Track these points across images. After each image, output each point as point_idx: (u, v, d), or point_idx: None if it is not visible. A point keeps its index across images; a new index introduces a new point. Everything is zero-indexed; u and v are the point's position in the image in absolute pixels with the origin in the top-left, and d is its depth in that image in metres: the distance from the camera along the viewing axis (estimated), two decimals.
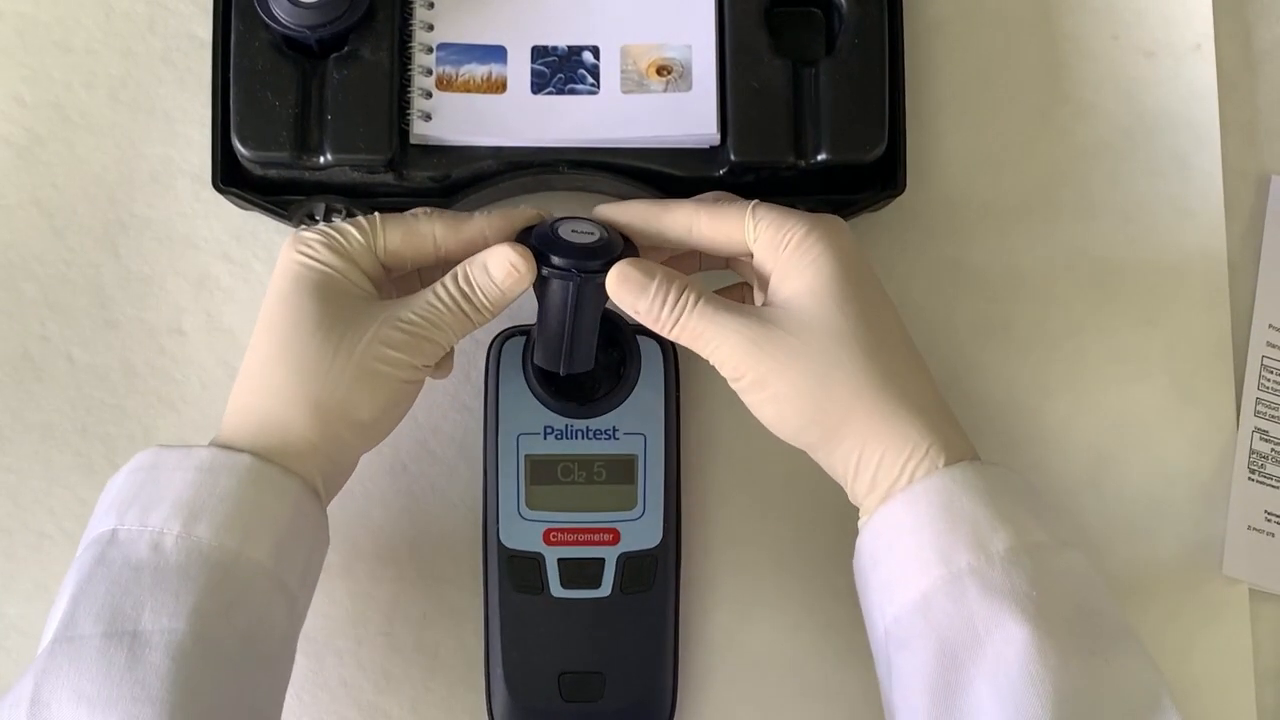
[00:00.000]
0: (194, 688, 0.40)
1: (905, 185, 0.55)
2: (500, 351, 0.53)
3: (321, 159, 0.52)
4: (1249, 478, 0.57)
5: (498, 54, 0.54)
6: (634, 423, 0.52)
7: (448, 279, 0.47)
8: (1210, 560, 0.56)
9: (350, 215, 0.51)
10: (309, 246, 0.47)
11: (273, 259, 0.50)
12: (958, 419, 0.47)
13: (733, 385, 0.47)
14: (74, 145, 0.57)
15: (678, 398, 0.53)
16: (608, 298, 0.47)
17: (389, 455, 0.55)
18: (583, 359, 0.49)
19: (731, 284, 0.53)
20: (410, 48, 0.54)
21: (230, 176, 0.54)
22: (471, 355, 0.55)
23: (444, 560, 0.55)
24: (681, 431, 0.53)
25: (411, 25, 0.54)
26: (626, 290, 0.46)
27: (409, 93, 0.53)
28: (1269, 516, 0.57)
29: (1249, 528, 0.56)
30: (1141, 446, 0.57)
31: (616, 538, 0.52)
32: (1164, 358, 0.58)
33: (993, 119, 0.59)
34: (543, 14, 0.55)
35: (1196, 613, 0.56)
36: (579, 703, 0.51)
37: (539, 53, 0.54)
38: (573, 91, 0.54)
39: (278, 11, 0.51)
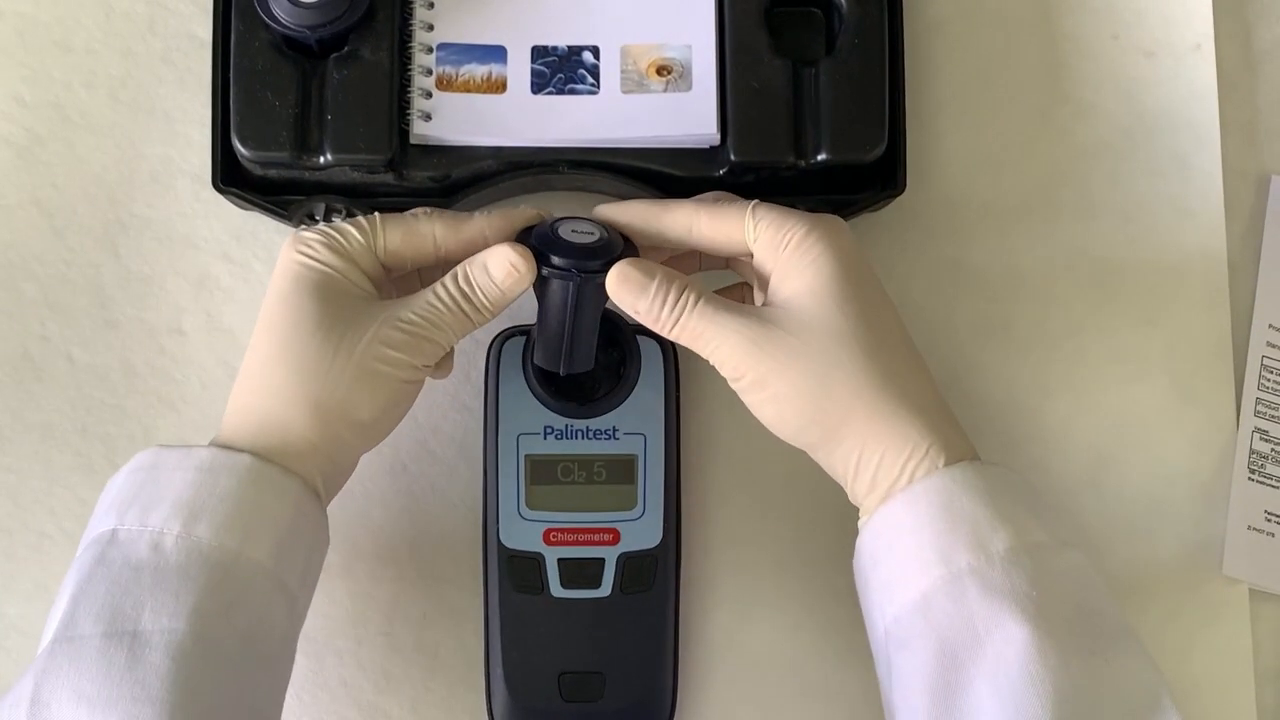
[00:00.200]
0: (194, 688, 0.40)
1: (905, 185, 0.55)
2: (500, 351, 0.53)
3: (321, 159, 0.52)
4: (1249, 478, 0.57)
5: (498, 54, 0.54)
6: (634, 423, 0.52)
7: (448, 279, 0.47)
8: (1210, 560, 0.56)
9: (350, 215, 0.51)
10: (309, 246, 0.47)
11: (273, 259, 0.51)
12: (958, 419, 0.47)
13: (733, 385, 0.47)
14: (74, 145, 0.57)
15: (678, 398, 0.53)
16: (608, 298, 0.47)
17: (389, 455, 0.55)
18: (583, 359, 0.49)
19: (731, 284, 0.53)
20: (410, 48, 0.54)
21: (230, 176, 0.54)
22: (471, 355, 0.55)
23: (444, 560, 0.55)
24: (681, 431, 0.53)
25: (411, 25, 0.54)
26: (626, 290, 0.46)
27: (409, 93, 0.53)
28: (1269, 516, 0.57)
29: (1249, 528, 0.56)
30: (1141, 446, 0.57)
31: (616, 538, 0.52)
32: (1164, 358, 0.58)
33: (993, 119, 0.59)
34: (543, 14, 0.55)
35: (1196, 613, 0.56)
36: (579, 703, 0.51)
37: (539, 53, 0.54)
38: (573, 91, 0.54)
39: (278, 11, 0.51)
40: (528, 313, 0.50)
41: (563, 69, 0.54)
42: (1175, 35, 0.60)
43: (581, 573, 0.51)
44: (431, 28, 0.54)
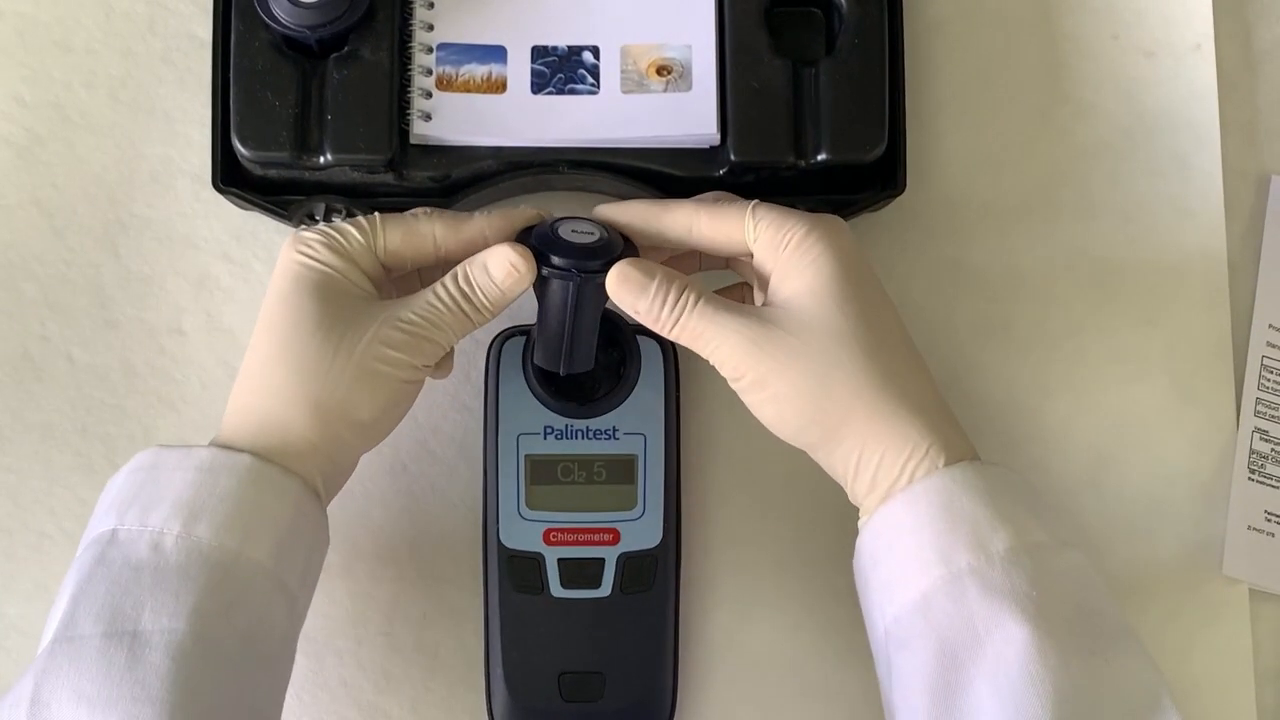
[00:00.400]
0: (194, 688, 0.40)
1: (905, 185, 0.55)
2: (500, 351, 0.53)
3: (321, 159, 0.52)
4: (1249, 478, 0.57)
5: (498, 54, 0.54)
6: (634, 423, 0.52)
7: (448, 279, 0.47)
8: (1210, 560, 0.56)
9: (350, 215, 0.51)
10: (309, 246, 0.47)
11: (273, 259, 0.51)
12: (958, 419, 0.47)
13: (733, 385, 0.47)
14: (74, 145, 0.57)
15: (678, 398, 0.53)
16: (608, 298, 0.47)
17: (389, 455, 0.55)
18: (583, 359, 0.49)
19: (731, 284, 0.53)
20: (410, 48, 0.54)
21: (230, 176, 0.54)
22: (471, 355, 0.55)
23: (444, 560, 0.55)
24: (681, 431, 0.53)
25: (411, 25, 0.54)
26: (626, 290, 0.46)
27: (409, 93, 0.53)
28: (1269, 516, 0.57)
29: (1249, 528, 0.56)
30: (1141, 446, 0.57)
31: (616, 538, 0.52)
32: (1164, 358, 0.58)
33: (993, 119, 0.59)
34: (543, 14, 0.55)
35: (1196, 613, 0.56)
36: (579, 703, 0.51)
37: (539, 53, 0.54)
38: (573, 91, 0.54)
39: (278, 11, 0.51)
40: (528, 313, 0.50)
41: (563, 69, 0.54)
42: (1175, 35, 0.60)
43: (581, 573, 0.51)
44: (431, 28, 0.54)
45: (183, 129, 0.57)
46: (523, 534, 0.52)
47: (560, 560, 0.51)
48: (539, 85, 0.54)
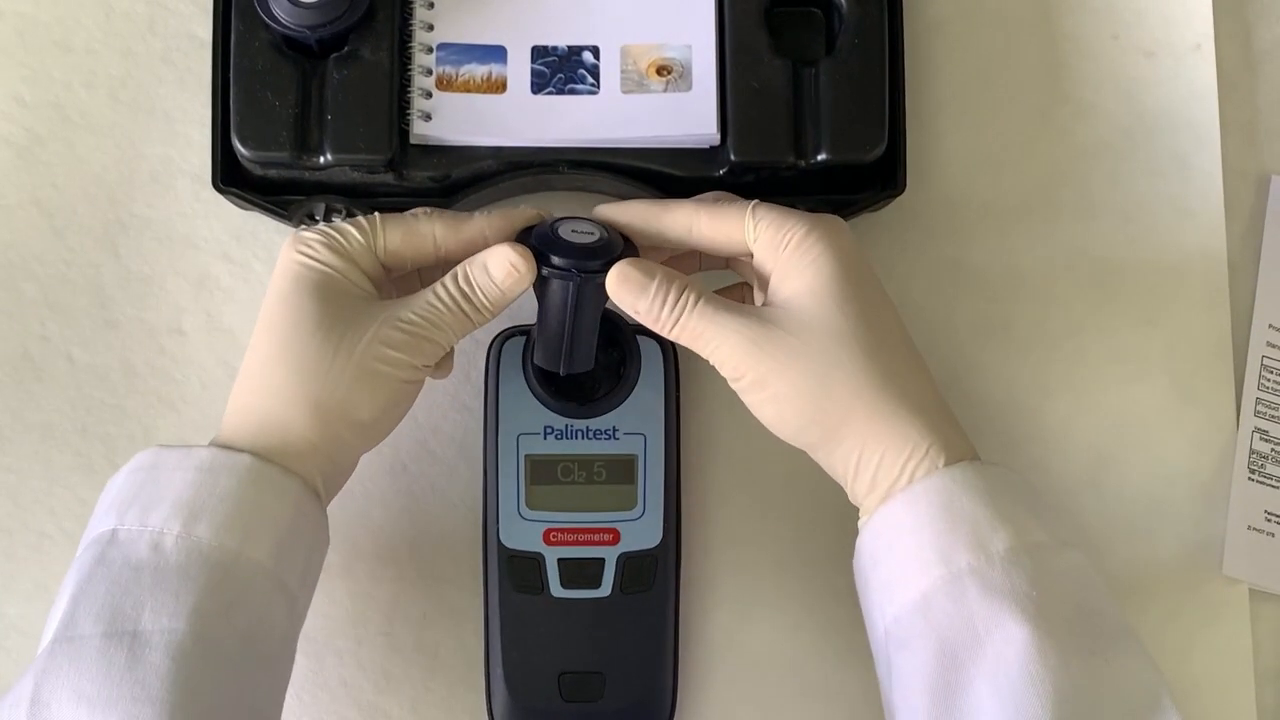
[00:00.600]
0: (194, 688, 0.40)
1: (905, 185, 0.55)
2: (500, 351, 0.53)
3: (321, 159, 0.52)
4: (1249, 478, 0.57)
5: (498, 54, 0.54)
6: (634, 423, 0.52)
7: (448, 279, 0.47)
8: (1210, 560, 0.56)
9: (350, 215, 0.51)
10: (309, 246, 0.47)
11: (273, 259, 0.51)
12: (958, 419, 0.47)
13: (733, 385, 0.47)
14: (74, 145, 0.57)
15: (678, 398, 0.53)
16: (608, 298, 0.47)
17: (389, 455, 0.55)
18: (583, 359, 0.49)
19: (731, 284, 0.53)
20: (410, 48, 0.54)
21: (230, 176, 0.54)
22: (471, 355, 0.55)
23: (444, 560, 0.55)
24: (681, 431, 0.53)
25: (411, 25, 0.54)
26: (626, 290, 0.46)
27: (409, 93, 0.53)
28: (1269, 516, 0.57)
29: (1249, 528, 0.56)
30: (1141, 446, 0.57)
31: (616, 538, 0.52)
32: (1164, 358, 0.58)
33: (993, 119, 0.59)
34: (543, 14, 0.55)
35: (1196, 613, 0.56)
36: (579, 703, 0.51)
37: (539, 53, 0.54)
38: (573, 91, 0.54)
39: (278, 11, 0.51)
40: (528, 313, 0.50)
41: (563, 69, 0.54)
42: (1175, 35, 0.60)
43: (581, 573, 0.51)
44: (431, 28, 0.54)
45: (183, 129, 0.57)
46: (523, 534, 0.52)
47: (560, 560, 0.51)
48: (539, 85, 0.54)
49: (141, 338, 0.56)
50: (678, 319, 0.46)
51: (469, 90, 0.54)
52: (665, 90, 0.54)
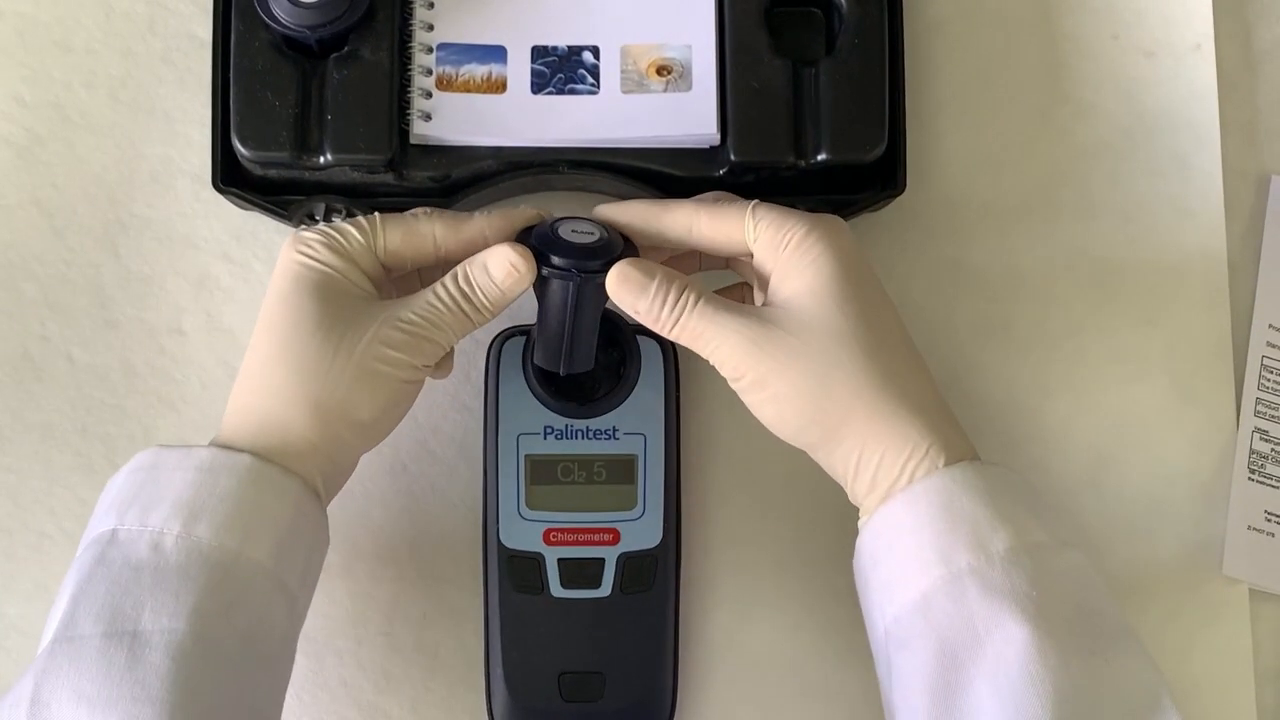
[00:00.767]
0: (194, 688, 0.40)
1: (905, 185, 0.55)
2: (500, 351, 0.53)
3: (321, 159, 0.52)
4: (1249, 478, 0.57)
5: (498, 54, 0.54)
6: (634, 423, 0.52)
7: (448, 279, 0.47)
8: (1210, 560, 0.56)
9: (350, 215, 0.51)
10: (309, 246, 0.47)
11: (273, 259, 0.51)
12: (958, 419, 0.47)
13: (733, 385, 0.47)
14: (74, 145, 0.57)
15: (678, 398, 0.53)
16: (608, 298, 0.47)
17: (389, 455, 0.55)
18: (583, 359, 0.49)
19: (731, 284, 0.53)
20: (410, 48, 0.54)
21: (230, 176, 0.54)
22: (471, 355, 0.55)
23: (444, 560, 0.55)
24: (681, 431, 0.53)
25: (411, 25, 0.54)
26: (626, 290, 0.46)
27: (409, 93, 0.53)
28: (1269, 516, 0.57)
29: (1249, 528, 0.56)
30: (1141, 446, 0.57)
31: (616, 538, 0.52)
32: (1164, 358, 0.58)
33: (993, 119, 0.59)
34: (543, 14, 0.55)
35: (1196, 613, 0.56)
36: (579, 703, 0.51)
37: (539, 53, 0.54)
38: (573, 91, 0.54)
39: (278, 11, 0.51)
40: (528, 313, 0.50)
41: (563, 69, 0.54)
42: (1175, 35, 0.60)
43: (581, 573, 0.51)
44: (431, 28, 0.54)
45: (183, 129, 0.57)
46: (523, 534, 0.52)
47: (560, 560, 0.51)
48: (539, 85, 0.54)
49: (141, 338, 0.56)
50: (678, 319, 0.46)
51: (469, 90, 0.54)
52: (665, 90, 0.54)
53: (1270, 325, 0.59)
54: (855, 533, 0.47)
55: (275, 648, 0.44)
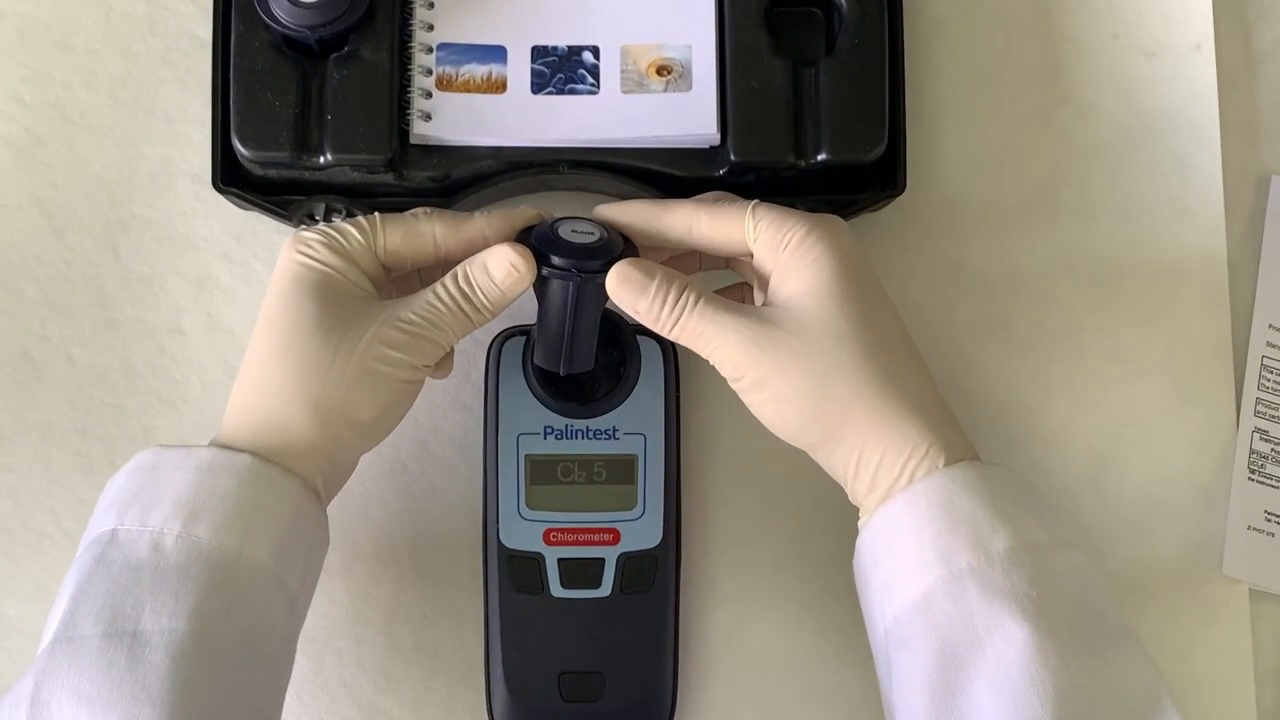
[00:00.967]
0: (194, 688, 0.40)
1: (905, 185, 0.55)
2: (500, 351, 0.53)
3: (321, 159, 0.52)
4: (1249, 478, 0.57)
5: (498, 54, 0.54)
6: (634, 423, 0.52)
7: (448, 279, 0.47)
8: (1210, 560, 0.56)
9: (350, 215, 0.51)
10: (309, 246, 0.47)
11: (273, 259, 0.51)
12: (958, 419, 0.47)
13: (733, 385, 0.47)
14: (74, 145, 0.57)
15: (678, 398, 0.53)
16: (608, 298, 0.47)
17: (389, 455, 0.55)
18: (583, 359, 0.49)
19: (731, 284, 0.53)
20: (410, 48, 0.54)
21: (230, 176, 0.54)
22: (471, 355, 0.55)
23: (444, 560, 0.55)
24: (681, 431, 0.53)
25: (411, 25, 0.54)
26: (626, 290, 0.46)
27: (409, 93, 0.53)
28: (1269, 516, 0.57)
29: (1249, 528, 0.56)
30: (1141, 446, 0.57)
31: (616, 538, 0.52)
32: (1164, 358, 0.58)
33: (993, 119, 0.59)
34: (543, 14, 0.55)
35: (1196, 613, 0.56)
36: (579, 703, 0.51)
37: (539, 53, 0.54)
38: (573, 91, 0.54)
39: (278, 11, 0.51)
40: (528, 313, 0.50)
41: (563, 69, 0.54)
42: (1175, 35, 0.60)
43: (581, 573, 0.51)
44: (431, 28, 0.54)
45: (183, 129, 0.57)
46: (523, 534, 0.52)
47: (560, 560, 0.51)
48: (539, 85, 0.54)
49: (141, 338, 0.56)
50: (678, 319, 0.46)
51: (469, 90, 0.54)
52: (665, 90, 0.54)
53: (1270, 325, 0.59)
54: (855, 533, 0.47)
55: (275, 648, 0.44)
